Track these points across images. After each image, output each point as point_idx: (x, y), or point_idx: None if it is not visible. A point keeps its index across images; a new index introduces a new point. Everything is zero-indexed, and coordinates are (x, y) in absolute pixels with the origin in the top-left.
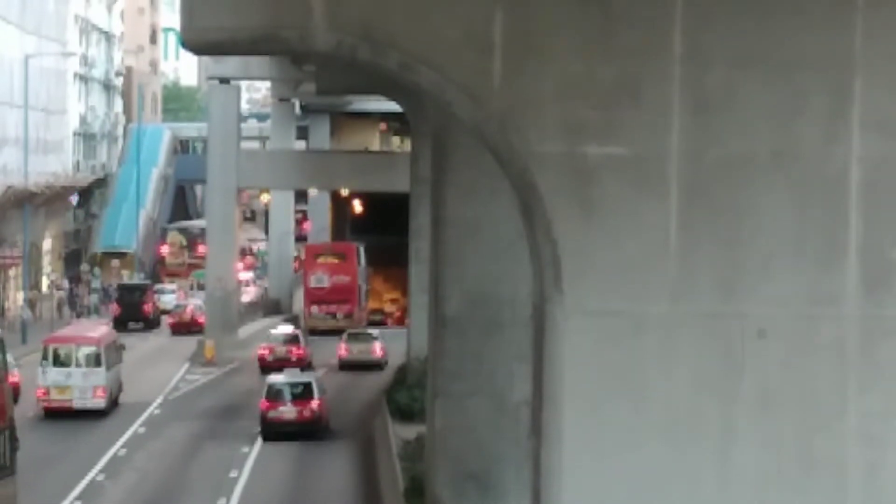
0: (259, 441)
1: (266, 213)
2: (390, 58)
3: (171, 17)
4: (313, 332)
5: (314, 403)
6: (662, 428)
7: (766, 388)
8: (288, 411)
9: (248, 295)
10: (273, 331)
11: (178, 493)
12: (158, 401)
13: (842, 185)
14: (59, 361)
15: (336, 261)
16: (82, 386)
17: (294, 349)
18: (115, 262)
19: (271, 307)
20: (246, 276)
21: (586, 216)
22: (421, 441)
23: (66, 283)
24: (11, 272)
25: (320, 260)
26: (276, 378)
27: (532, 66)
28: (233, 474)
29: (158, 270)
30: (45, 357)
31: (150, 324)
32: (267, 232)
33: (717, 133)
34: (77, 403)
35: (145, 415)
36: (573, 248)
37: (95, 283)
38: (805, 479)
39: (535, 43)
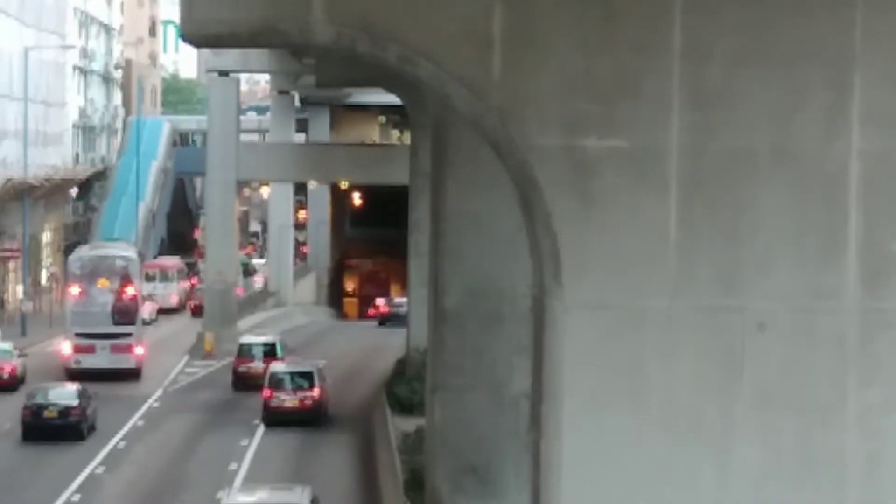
0: (259, 433)
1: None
2: (390, 51)
3: (170, 9)
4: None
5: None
6: (662, 421)
7: (766, 381)
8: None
9: (259, 283)
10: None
11: (178, 487)
12: (158, 393)
13: (841, 180)
14: (152, 279)
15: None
16: (163, 294)
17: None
18: None
19: (272, 298)
20: (260, 262)
21: (586, 210)
22: (420, 434)
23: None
24: (11, 265)
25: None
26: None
27: (532, 60)
28: (232, 467)
29: (194, 252)
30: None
31: None
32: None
33: (717, 128)
34: (161, 304)
35: (144, 407)
36: (573, 241)
37: None
38: (804, 472)
39: (535, 37)
